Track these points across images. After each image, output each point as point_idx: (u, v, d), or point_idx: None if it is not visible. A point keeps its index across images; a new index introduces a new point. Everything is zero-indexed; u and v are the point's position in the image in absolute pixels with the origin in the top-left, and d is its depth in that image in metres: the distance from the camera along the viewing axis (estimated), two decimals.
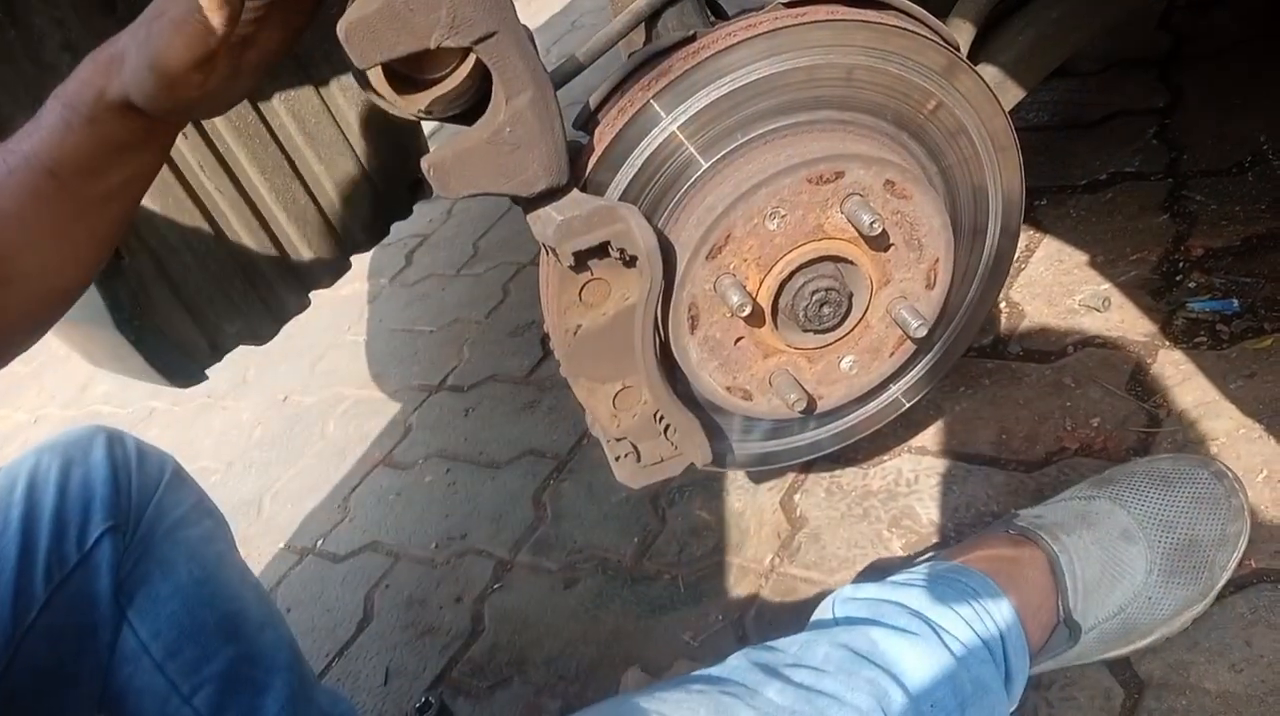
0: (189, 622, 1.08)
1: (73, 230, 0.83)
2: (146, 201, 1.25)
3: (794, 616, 1.20)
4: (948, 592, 0.91)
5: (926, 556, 1.12)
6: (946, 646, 0.86)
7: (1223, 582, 0.97)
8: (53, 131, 0.79)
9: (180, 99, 0.77)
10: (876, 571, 1.18)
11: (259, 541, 1.92)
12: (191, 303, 1.31)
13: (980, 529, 1.10)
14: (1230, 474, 0.99)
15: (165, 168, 1.26)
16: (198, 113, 0.82)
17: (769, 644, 0.90)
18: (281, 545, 1.88)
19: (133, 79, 0.76)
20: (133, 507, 1.11)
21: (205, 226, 1.32)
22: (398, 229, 1.63)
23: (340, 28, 0.67)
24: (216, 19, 0.71)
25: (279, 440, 2.25)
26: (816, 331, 0.92)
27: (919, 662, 0.84)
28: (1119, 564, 0.96)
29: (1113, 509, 0.99)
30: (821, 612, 0.98)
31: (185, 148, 1.28)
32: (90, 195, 0.82)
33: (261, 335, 1.42)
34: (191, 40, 0.72)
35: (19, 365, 3.46)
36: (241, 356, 1.46)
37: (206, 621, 1.10)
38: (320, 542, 1.82)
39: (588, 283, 0.82)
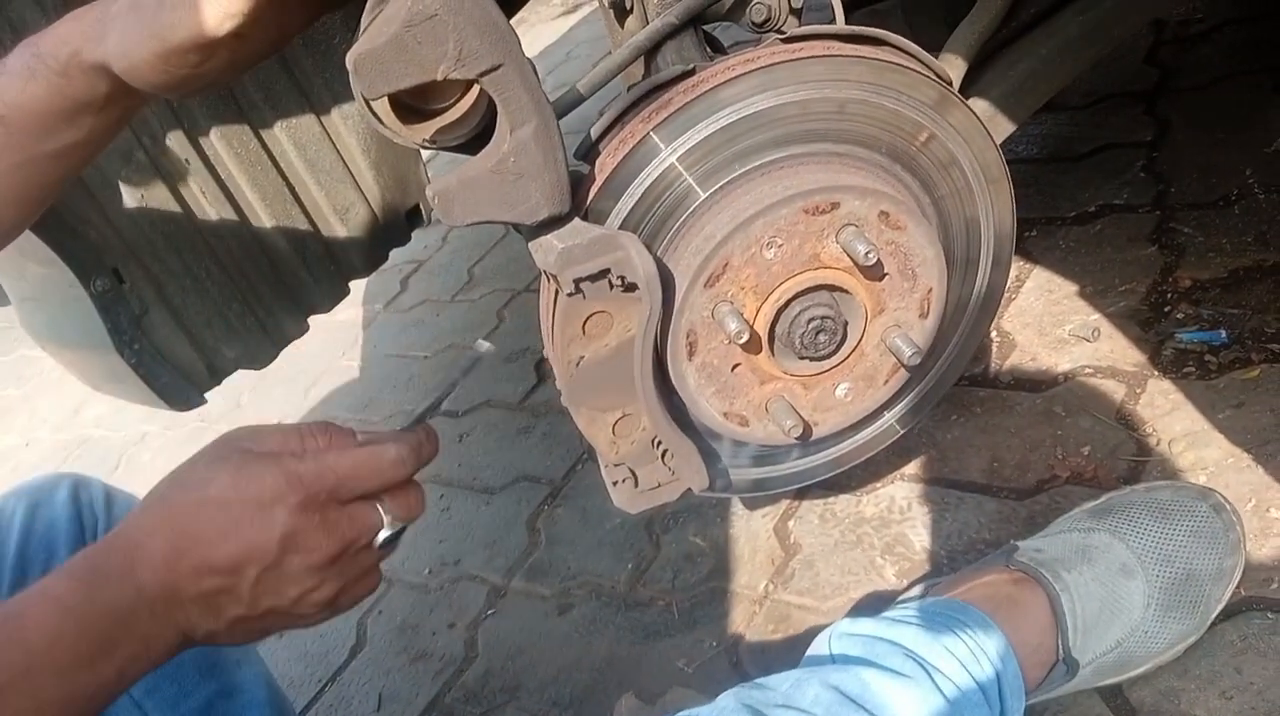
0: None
1: (4, 182, 0.82)
2: (147, 226, 1.26)
3: (788, 643, 1.20)
4: (944, 631, 0.91)
5: (925, 585, 1.12)
6: (940, 690, 0.86)
7: (1216, 614, 0.98)
8: (14, 77, 0.78)
9: (168, 75, 0.77)
10: (873, 603, 1.19)
11: None
12: (191, 327, 1.31)
13: (979, 559, 1.11)
14: (1229, 507, 1.00)
15: (167, 192, 1.27)
16: (173, 92, 0.81)
17: (760, 681, 0.90)
18: None
19: (122, 46, 0.76)
20: None
21: (205, 251, 1.33)
22: (393, 254, 1.64)
23: (349, 59, 0.69)
24: (239, 3, 0.72)
25: None
26: (812, 359, 0.93)
27: (910, 707, 0.84)
28: (1118, 599, 0.96)
29: (1112, 542, 0.99)
30: (817, 647, 0.98)
31: (188, 174, 1.29)
32: (35, 151, 0.81)
33: (260, 359, 1.42)
34: (208, 18, 0.72)
35: (11, 388, 3.45)
36: (236, 381, 1.46)
37: (184, 658, 1.08)
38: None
39: (591, 315, 0.83)
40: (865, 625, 0.95)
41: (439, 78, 0.70)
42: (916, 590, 1.12)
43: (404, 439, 0.79)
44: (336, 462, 0.75)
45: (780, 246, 0.87)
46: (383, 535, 0.76)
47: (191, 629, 0.72)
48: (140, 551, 0.70)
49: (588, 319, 0.84)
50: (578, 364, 0.86)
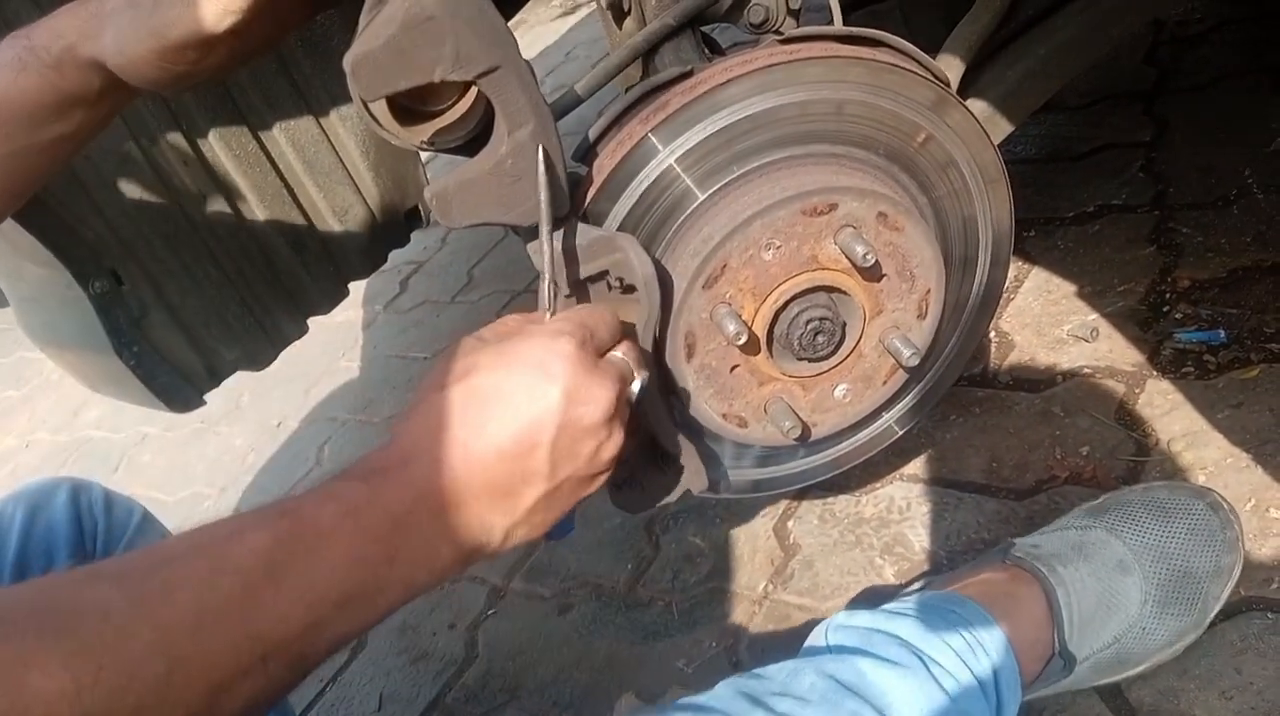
0: None
1: None
2: (145, 227, 1.26)
3: (787, 643, 1.20)
4: (941, 624, 0.92)
5: (922, 582, 1.13)
6: (936, 680, 0.86)
7: (1215, 612, 0.98)
8: (4, 68, 0.78)
9: (165, 71, 0.77)
10: (871, 598, 1.19)
11: None
12: (190, 328, 1.31)
13: (976, 556, 1.11)
14: (1226, 505, 1.00)
15: (166, 193, 1.27)
16: (168, 88, 0.80)
17: (756, 671, 0.90)
18: None
19: (119, 42, 0.76)
20: (99, 551, 1.10)
21: (204, 252, 1.33)
22: (393, 256, 1.64)
23: (346, 61, 0.69)
24: (238, 0, 0.72)
25: (272, 466, 2.25)
26: (811, 360, 0.93)
27: (906, 696, 0.84)
28: (1114, 595, 0.96)
29: (1108, 539, 0.99)
30: (814, 639, 0.98)
31: (186, 175, 1.30)
32: (23, 143, 0.81)
33: (259, 361, 1.43)
34: (207, 15, 0.72)
35: (11, 389, 3.45)
36: (235, 382, 1.46)
37: None
38: None
39: None
40: (862, 617, 0.95)
41: (436, 80, 0.70)
42: (914, 587, 1.13)
43: (613, 301, 0.80)
44: (580, 316, 0.73)
45: (778, 248, 0.87)
46: (637, 383, 0.75)
47: (485, 529, 0.67)
48: (415, 454, 0.66)
49: None
50: None
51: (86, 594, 0.53)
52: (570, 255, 0.81)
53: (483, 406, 0.67)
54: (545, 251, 0.75)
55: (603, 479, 0.73)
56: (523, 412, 0.67)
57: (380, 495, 0.63)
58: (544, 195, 0.74)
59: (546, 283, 0.75)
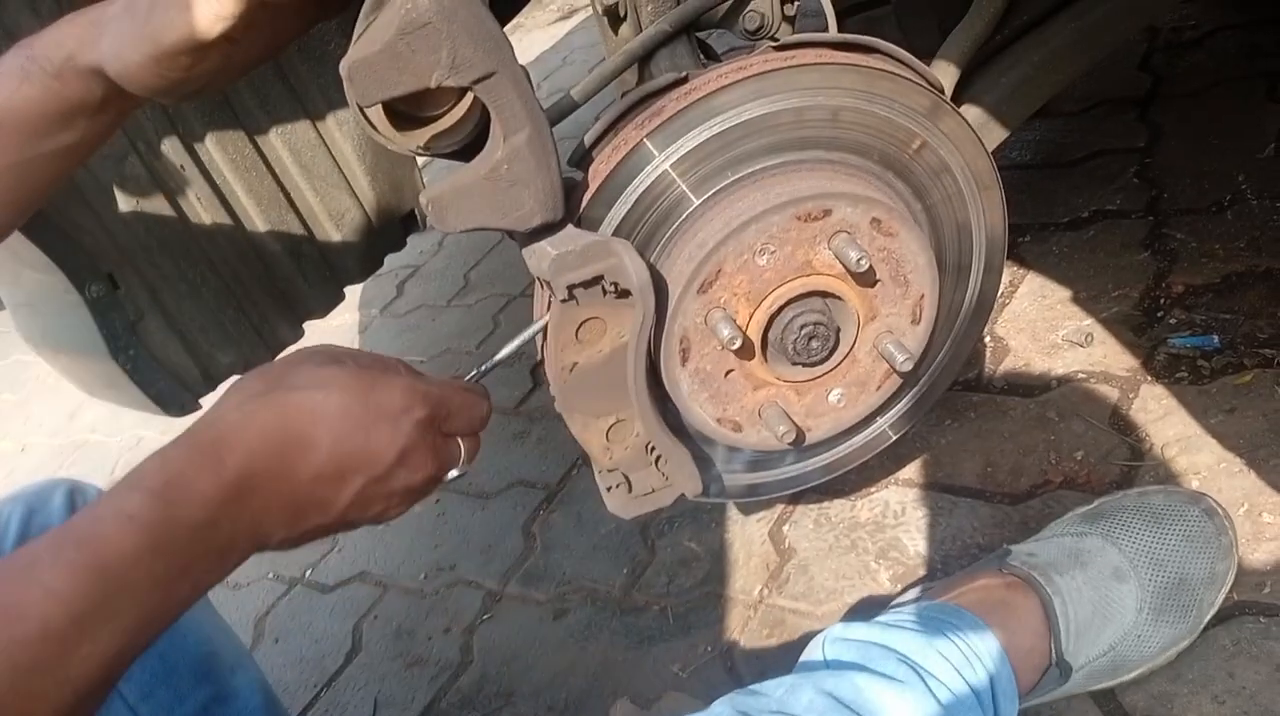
0: (161, 665, 1.07)
1: None
2: (142, 231, 1.26)
3: (782, 648, 1.20)
4: (937, 636, 0.92)
5: (919, 589, 1.13)
6: (933, 694, 0.86)
7: (1209, 618, 0.98)
8: (7, 79, 0.79)
9: (161, 78, 0.77)
10: (867, 608, 1.19)
11: (246, 571, 1.91)
12: (186, 332, 1.31)
13: (972, 563, 1.11)
14: (1220, 511, 1.00)
15: (163, 198, 1.27)
16: (166, 96, 0.81)
17: (754, 687, 0.90)
18: (269, 575, 1.87)
19: (116, 48, 0.76)
20: None
21: (200, 257, 1.33)
22: (389, 260, 1.64)
23: (343, 67, 0.69)
24: (229, 5, 0.72)
25: None
26: (805, 364, 0.93)
27: (904, 712, 0.84)
28: (1110, 603, 0.96)
29: (1104, 546, 0.99)
30: (811, 652, 0.98)
31: (183, 180, 1.29)
32: (28, 153, 0.81)
33: (255, 365, 1.42)
34: (199, 20, 0.73)
35: (7, 393, 3.45)
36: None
37: (179, 664, 1.09)
38: (308, 572, 1.81)
39: (585, 322, 0.84)
40: (859, 630, 0.95)
41: (432, 85, 0.71)
42: (911, 594, 1.13)
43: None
44: (451, 393, 0.76)
45: (773, 253, 0.87)
46: (453, 473, 0.79)
47: (266, 536, 0.69)
48: (231, 451, 0.66)
49: (581, 325, 0.84)
50: (571, 370, 0.86)
51: None
52: (565, 261, 0.81)
53: (328, 426, 0.68)
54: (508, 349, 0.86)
55: (359, 526, 0.75)
56: (363, 447, 0.69)
57: (178, 510, 0.63)
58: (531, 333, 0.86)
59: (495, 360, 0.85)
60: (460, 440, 0.79)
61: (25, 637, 0.56)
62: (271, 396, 0.69)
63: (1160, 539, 0.98)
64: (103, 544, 0.61)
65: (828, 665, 0.93)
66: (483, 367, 0.85)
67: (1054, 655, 0.94)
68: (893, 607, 1.06)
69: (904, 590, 1.17)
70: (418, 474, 0.73)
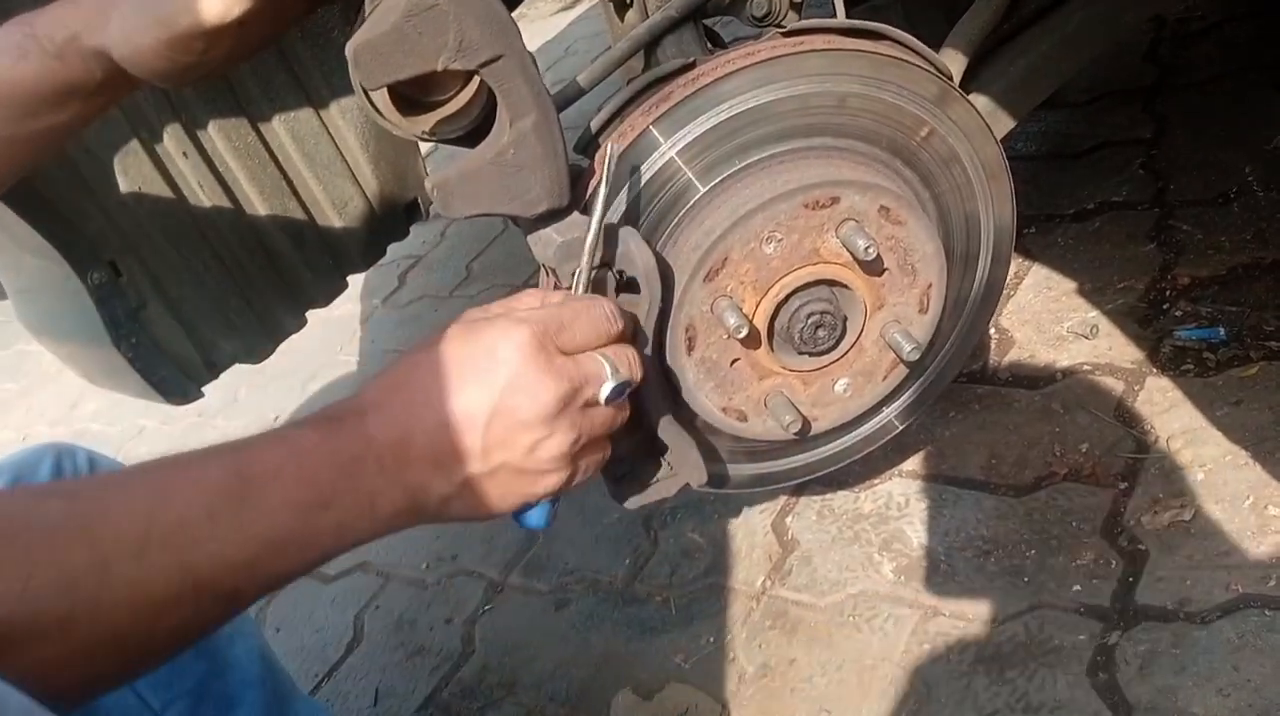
0: None
1: None
2: (144, 219, 1.25)
3: (785, 639, 1.20)
4: None
5: None
6: None
7: None
8: (3, 53, 0.78)
9: (171, 62, 0.76)
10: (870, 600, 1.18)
11: None
12: (188, 321, 1.31)
13: (976, 556, 1.09)
14: None
15: (165, 185, 1.26)
16: (173, 81, 0.80)
17: None
18: None
19: (125, 32, 0.75)
20: None
21: (203, 245, 1.33)
22: (391, 250, 1.63)
23: (349, 49, 0.69)
24: None
25: None
26: (811, 354, 0.93)
27: None
28: None
29: None
30: None
31: (185, 167, 1.29)
32: (15, 131, 0.81)
33: (257, 353, 1.42)
34: (214, 5, 0.72)
35: (9, 382, 3.44)
36: (233, 375, 1.45)
37: None
38: None
39: None
40: None
41: (439, 68, 0.70)
42: None
43: (613, 298, 0.79)
44: (558, 310, 0.72)
45: (780, 241, 0.86)
46: (608, 387, 0.72)
47: (424, 491, 0.69)
48: (373, 408, 0.68)
49: None
50: None
51: (37, 507, 0.57)
52: (571, 248, 0.80)
53: (436, 376, 0.69)
54: (590, 237, 0.77)
55: (550, 480, 0.72)
56: (466, 389, 0.68)
57: (328, 442, 0.66)
58: (604, 191, 0.77)
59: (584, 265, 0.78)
60: (604, 352, 0.73)
61: (163, 517, 0.59)
62: (396, 364, 0.72)
63: None
64: (251, 453, 0.64)
65: None
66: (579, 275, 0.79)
67: None
68: None
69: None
70: (545, 395, 0.69)
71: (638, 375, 0.76)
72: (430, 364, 0.70)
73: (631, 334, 0.79)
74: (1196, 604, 1.01)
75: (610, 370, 0.72)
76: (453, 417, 0.68)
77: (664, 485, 0.97)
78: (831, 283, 0.91)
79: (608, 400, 0.72)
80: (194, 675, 1.07)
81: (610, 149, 0.77)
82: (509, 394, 0.68)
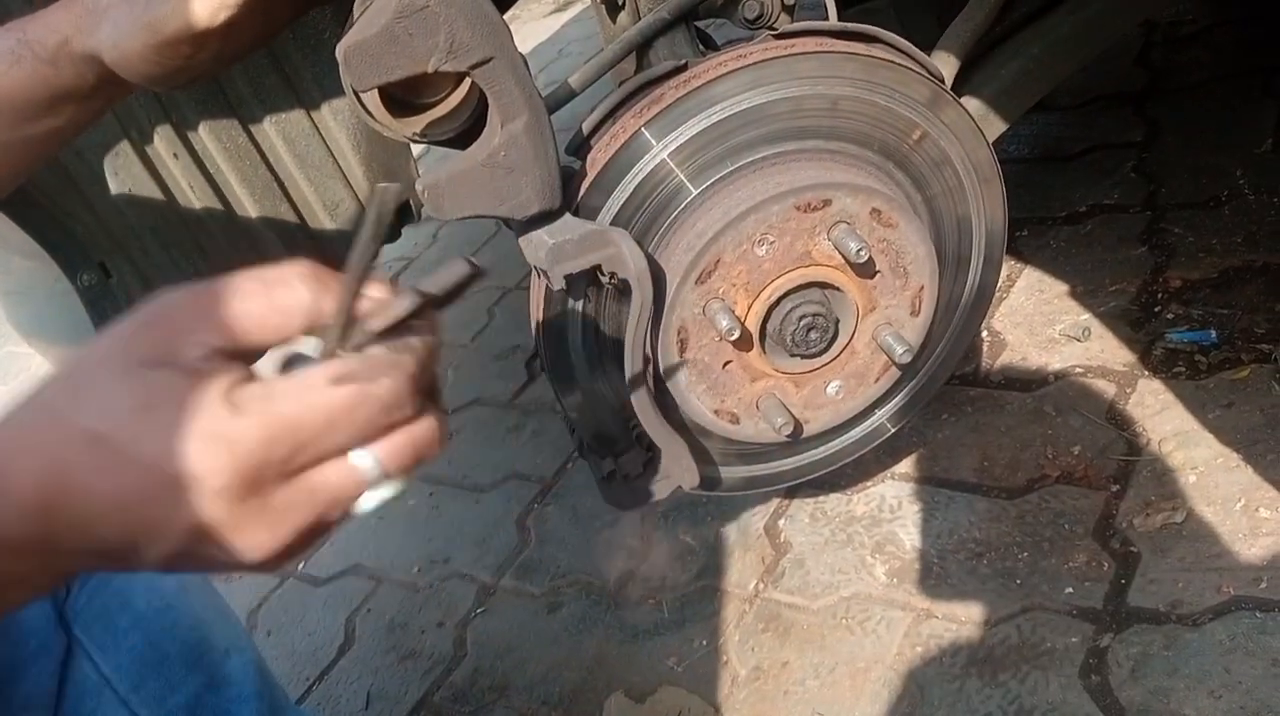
0: (151, 654, 1.06)
1: None
2: (134, 220, 1.25)
3: (778, 642, 1.20)
4: None
5: None
6: None
7: None
8: None
9: (160, 66, 0.76)
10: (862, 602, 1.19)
11: None
12: None
13: (969, 560, 1.09)
14: None
15: (155, 186, 1.26)
16: (162, 84, 0.80)
17: None
18: None
19: (115, 36, 0.75)
20: None
21: (193, 246, 1.32)
22: (384, 252, 1.63)
23: (339, 50, 0.68)
24: None
25: None
26: (804, 356, 0.93)
27: None
28: None
29: None
30: None
31: (175, 168, 1.28)
32: (10, 136, 0.81)
33: None
34: (203, 8, 0.72)
35: None
36: None
37: (169, 652, 1.07)
38: (301, 565, 1.80)
39: None
40: None
41: (430, 70, 0.70)
42: None
43: (401, 361, 0.52)
44: (299, 414, 0.49)
45: (772, 243, 0.86)
46: (367, 504, 0.52)
47: (77, 568, 0.57)
48: (4, 480, 0.49)
49: None
50: None
51: None
52: (562, 250, 0.80)
53: (99, 472, 0.49)
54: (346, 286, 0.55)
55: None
56: (139, 518, 0.49)
57: None
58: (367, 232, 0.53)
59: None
60: (381, 446, 0.52)
61: None
62: (53, 410, 0.53)
63: None
64: None
65: None
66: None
67: None
68: None
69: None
70: (252, 547, 0.50)
71: (428, 458, 0.54)
72: (89, 442, 0.49)
73: (428, 388, 0.54)
74: (1188, 606, 1.01)
75: (376, 474, 0.51)
76: (106, 540, 0.49)
77: (657, 487, 0.97)
78: (824, 285, 0.91)
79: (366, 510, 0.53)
80: (189, 689, 1.07)
81: (377, 188, 0.51)
82: (191, 541, 0.49)
